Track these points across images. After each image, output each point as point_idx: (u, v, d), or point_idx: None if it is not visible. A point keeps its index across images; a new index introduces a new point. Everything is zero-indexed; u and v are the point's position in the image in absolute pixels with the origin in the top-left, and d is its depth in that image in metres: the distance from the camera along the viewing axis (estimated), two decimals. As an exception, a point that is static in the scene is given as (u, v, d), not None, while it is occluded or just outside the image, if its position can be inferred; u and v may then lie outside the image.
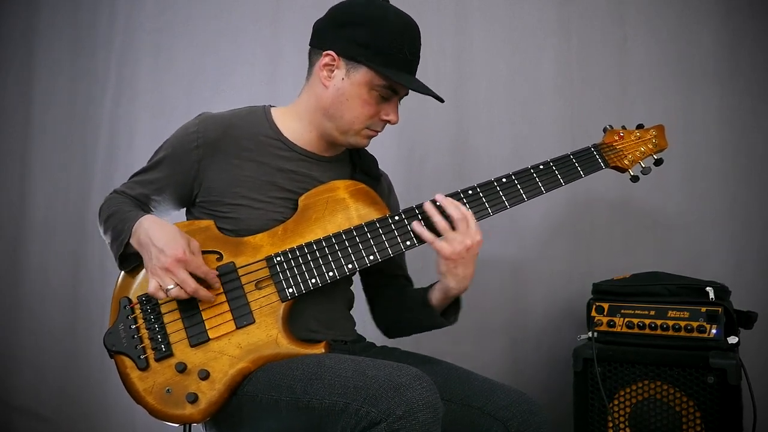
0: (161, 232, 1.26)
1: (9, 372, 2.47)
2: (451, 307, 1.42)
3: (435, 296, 1.39)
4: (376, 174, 1.55)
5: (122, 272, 1.36)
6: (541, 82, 2.14)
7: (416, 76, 1.40)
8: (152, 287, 1.23)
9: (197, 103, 2.20)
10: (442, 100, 1.39)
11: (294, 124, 1.43)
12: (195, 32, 2.41)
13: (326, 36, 1.38)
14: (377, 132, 1.41)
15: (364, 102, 1.35)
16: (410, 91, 1.39)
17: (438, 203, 1.34)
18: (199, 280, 1.26)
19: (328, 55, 1.35)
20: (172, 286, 1.22)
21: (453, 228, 1.31)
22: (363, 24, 1.33)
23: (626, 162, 1.49)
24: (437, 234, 1.32)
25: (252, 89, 2.32)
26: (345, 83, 1.35)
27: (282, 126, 1.43)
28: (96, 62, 2.49)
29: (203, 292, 1.25)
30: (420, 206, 1.36)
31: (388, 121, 1.39)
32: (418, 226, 1.33)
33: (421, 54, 1.40)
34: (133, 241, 1.29)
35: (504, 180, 1.39)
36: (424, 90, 1.36)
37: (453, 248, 1.29)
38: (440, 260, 1.32)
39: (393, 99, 1.38)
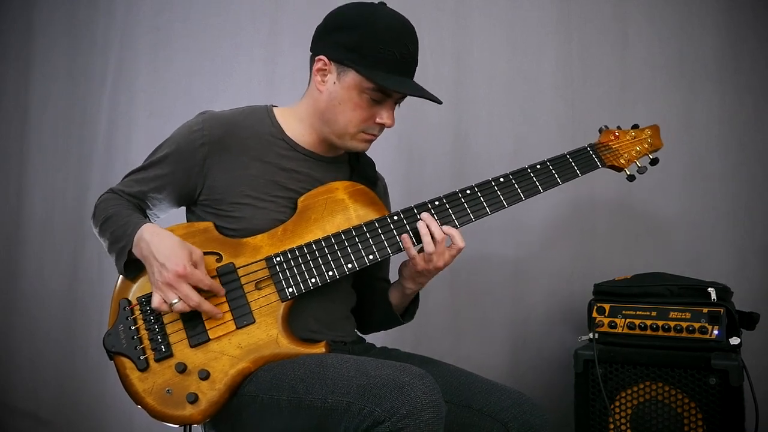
0: (162, 245, 1.25)
1: (7, 373, 2.46)
2: (411, 306, 1.51)
3: (394, 296, 1.48)
4: (373, 177, 1.55)
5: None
6: (541, 82, 2.13)
7: (416, 77, 1.38)
8: (156, 302, 1.23)
9: (195, 103, 2.19)
10: (439, 102, 1.36)
11: (296, 125, 1.43)
12: (193, 32, 2.40)
13: (319, 42, 1.39)
14: (374, 135, 1.40)
15: (355, 105, 1.35)
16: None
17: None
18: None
19: (320, 60, 1.36)
20: (176, 301, 1.22)
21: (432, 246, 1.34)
22: (351, 27, 1.33)
23: (622, 161, 1.52)
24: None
25: (250, 89, 2.31)
26: (336, 87, 1.35)
27: (285, 126, 1.43)
28: (94, 62, 2.49)
29: (206, 306, 1.25)
30: (420, 207, 1.36)
31: (383, 125, 1.38)
32: (408, 241, 1.34)
33: (420, 55, 1.38)
34: (135, 252, 1.28)
35: (502, 180, 1.40)
36: (414, 92, 1.34)
37: (426, 265, 1.34)
38: (410, 269, 1.38)
39: (386, 102, 1.36)
